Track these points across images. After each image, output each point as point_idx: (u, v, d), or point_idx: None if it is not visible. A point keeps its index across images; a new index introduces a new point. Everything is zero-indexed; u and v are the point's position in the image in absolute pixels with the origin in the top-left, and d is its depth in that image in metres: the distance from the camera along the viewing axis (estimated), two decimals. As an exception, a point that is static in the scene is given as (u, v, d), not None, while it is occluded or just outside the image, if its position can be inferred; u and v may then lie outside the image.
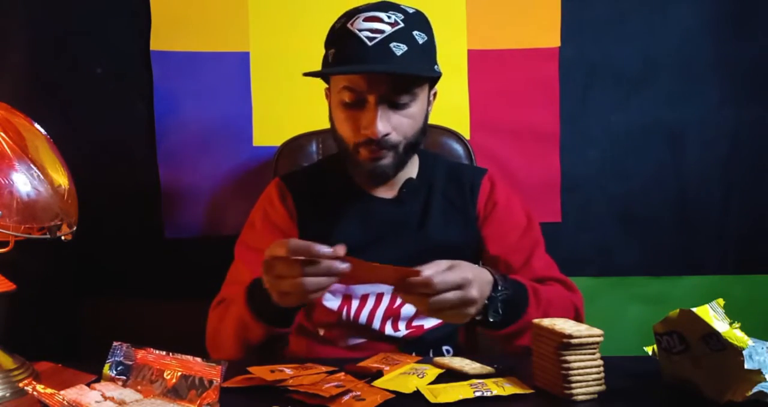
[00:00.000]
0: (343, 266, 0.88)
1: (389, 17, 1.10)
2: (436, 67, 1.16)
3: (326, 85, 1.21)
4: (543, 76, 1.70)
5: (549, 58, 1.70)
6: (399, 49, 1.08)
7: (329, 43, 1.15)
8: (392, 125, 1.12)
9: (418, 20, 1.14)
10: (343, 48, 1.11)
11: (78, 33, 1.66)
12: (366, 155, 1.14)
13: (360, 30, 1.09)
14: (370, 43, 1.08)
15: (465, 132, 1.68)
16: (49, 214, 0.91)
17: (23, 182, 0.88)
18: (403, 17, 1.11)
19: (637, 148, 1.72)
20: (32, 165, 0.90)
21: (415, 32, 1.11)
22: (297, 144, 1.52)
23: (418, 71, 1.11)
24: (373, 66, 1.09)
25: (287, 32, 1.67)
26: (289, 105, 1.69)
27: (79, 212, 0.97)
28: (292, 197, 1.24)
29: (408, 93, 1.11)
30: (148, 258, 1.69)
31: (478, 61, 1.70)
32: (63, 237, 0.93)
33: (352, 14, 1.13)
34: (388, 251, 1.14)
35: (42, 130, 0.98)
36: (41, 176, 0.90)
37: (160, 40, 1.66)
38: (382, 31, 1.08)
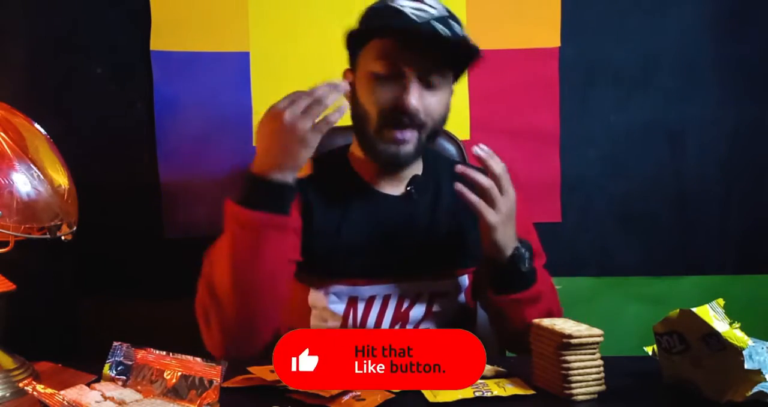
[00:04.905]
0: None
1: (432, 3, 1.10)
2: None
3: (346, 67, 1.18)
4: (543, 76, 1.70)
5: (549, 58, 1.69)
6: (443, 32, 1.06)
7: (367, 19, 1.13)
8: (423, 104, 1.09)
9: (455, 16, 1.13)
10: (389, 20, 1.08)
11: (78, 33, 1.66)
12: (390, 137, 1.10)
13: (403, 6, 1.08)
14: (418, 20, 1.06)
15: (464, 132, 1.67)
16: (49, 214, 0.91)
17: (23, 182, 0.88)
18: (444, 8, 1.11)
19: (637, 148, 1.72)
20: (32, 165, 0.90)
21: (453, 23, 1.10)
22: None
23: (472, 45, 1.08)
24: (439, 28, 1.06)
25: (287, 32, 1.67)
26: (289, 105, 1.68)
27: (79, 212, 0.98)
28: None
29: (444, 74, 1.11)
30: (148, 258, 1.69)
31: (478, 61, 1.69)
32: (63, 237, 0.93)
33: None
34: (396, 249, 1.14)
35: (42, 130, 0.98)
36: (41, 176, 0.90)
37: (160, 40, 1.66)
38: (427, 12, 1.07)
